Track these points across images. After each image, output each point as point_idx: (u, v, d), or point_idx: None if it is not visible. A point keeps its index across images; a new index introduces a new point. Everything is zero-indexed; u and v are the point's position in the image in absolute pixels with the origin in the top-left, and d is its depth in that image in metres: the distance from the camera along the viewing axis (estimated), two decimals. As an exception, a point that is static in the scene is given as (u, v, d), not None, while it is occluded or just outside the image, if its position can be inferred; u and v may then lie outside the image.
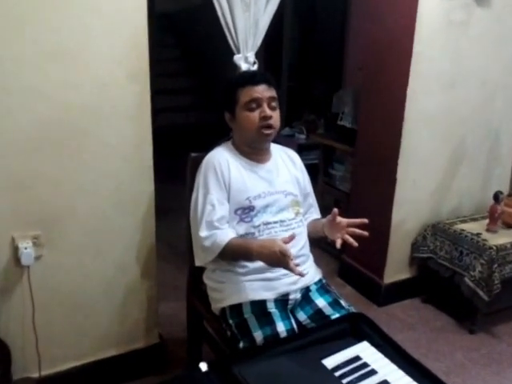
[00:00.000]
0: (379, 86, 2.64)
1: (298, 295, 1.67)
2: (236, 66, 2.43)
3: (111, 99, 1.78)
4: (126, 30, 1.74)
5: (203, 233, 1.60)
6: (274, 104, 1.68)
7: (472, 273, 2.49)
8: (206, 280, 1.75)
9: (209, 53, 6.15)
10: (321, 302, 1.67)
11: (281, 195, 1.71)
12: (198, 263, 1.69)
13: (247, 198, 1.65)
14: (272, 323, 1.54)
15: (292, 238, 1.50)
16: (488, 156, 2.90)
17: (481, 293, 2.46)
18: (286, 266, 1.45)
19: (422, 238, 2.77)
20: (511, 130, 2.88)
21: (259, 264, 1.60)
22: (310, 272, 1.72)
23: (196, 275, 1.87)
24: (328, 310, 1.65)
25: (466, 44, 2.57)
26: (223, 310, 1.65)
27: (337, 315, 1.63)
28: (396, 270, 2.82)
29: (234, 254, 1.60)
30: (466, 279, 2.50)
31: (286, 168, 1.79)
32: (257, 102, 1.64)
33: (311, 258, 1.77)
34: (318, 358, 1.28)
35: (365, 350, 1.32)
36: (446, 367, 2.35)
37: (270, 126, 1.66)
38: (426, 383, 1.21)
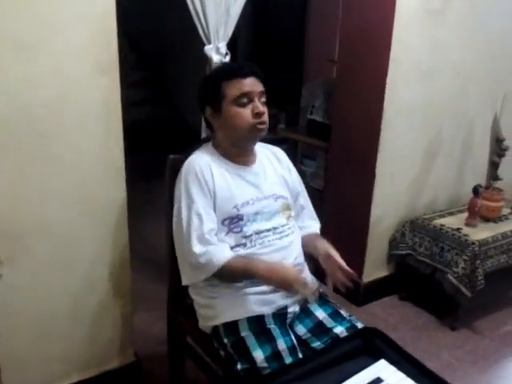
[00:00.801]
0: (356, 76, 2.53)
1: (297, 308, 1.54)
2: (198, 57, 2.27)
3: (77, 95, 1.57)
4: (92, 14, 1.53)
5: (197, 248, 1.42)
6: (263, 99, 1.52)
7: (455, 269, 2.43)
8: (193, 295, 1.57)
9: (161, 44, 5.87)
10: (321, 314, 1.54)
11: (270, 200, 1.56)
12: (186, 282, 1.51)
13: (234, 207, 1.49)
14: (272, 341, 1.40)
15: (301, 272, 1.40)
16: (462, 147, 2.86)
17: (464, 289, 2.41)
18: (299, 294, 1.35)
19: (400, 234, 2.70)
20: (484, 120, 2.85)
21: (255, 276, 1.46)
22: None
23: (177, 288, 1.70)
24: (329, 322, 1.52)
25: (442, 33, 2.50)
26: (215, 328, 1.49)
27: (339, 327, 1.51)
28: (374, 268, 2.74)
29: (233, 276, 1.44)
30: (449, 276, 2.45)
31: (272, 168, 1.64)
32: (248, 97, 1.48)
33: (306, 266, 1.64)
34: (336, 382, 1.15)
35: (384, 370, 1.21)
36: (434, 368, 2.23)
37: (262, 122, 1.50)
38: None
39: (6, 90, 1.44)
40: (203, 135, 2.41)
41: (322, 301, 1.58)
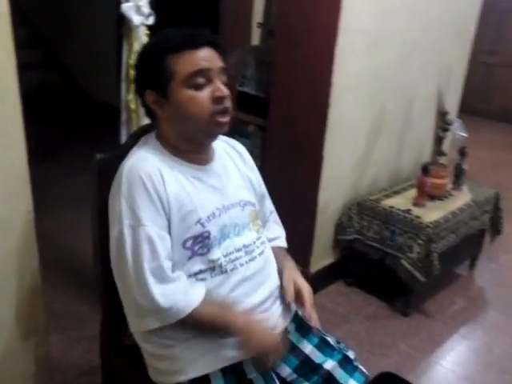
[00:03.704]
0: (299, 46, 2.20)
1: (279, 344, 1.23)
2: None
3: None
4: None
5: (156, 288, 1.05)
6: (224, 78, 1.15)
7: (409, 254, 2.27)
8: (142, 343, 1.18)
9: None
10: (306, 347, 1.25)
11: (237, 209, 1.22)
12: (136, 328, 1.12)
13: (198, 221, 1.13)
14: (256, 396, 1.09)
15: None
16: (403, 122, 2.69)
17: (418, 274, 2.27)
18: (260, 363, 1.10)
19: (347, 218, 2.48)
20: (424, 92, 2.68)
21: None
22: (285, 307, 1.28)
23: (113, 322, 1.32)
24: (317, 357, 1.24)
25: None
26: (179, 385, 1.14)
27: (329, 361, 1.23)
28: (321, 256, 2.51)
29: (200, 326, 1.10)
30: (403, 261, 2.28)
31: (235, 167, 1.29)
32: (205, 76, 1.10)
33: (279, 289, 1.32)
34: None
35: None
36: (395, 362, 2.13)
37: (226, 111, 1.13)
38: None
39: None
40: (123, 119, 1.99)
41: (305, 328, 1.29)
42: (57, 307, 2.24)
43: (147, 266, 1.05)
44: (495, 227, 2.73)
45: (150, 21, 1.85)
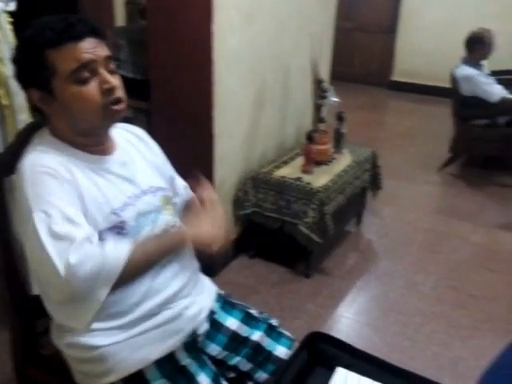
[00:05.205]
0: (175, 24, 2.15)
1: (206, 325, 1.23)
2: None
3: None
4: None
5: (73, 256, 0.92)
6: (112, 66, 1.09)
7: (305, 219, 2.39)
8: (64, 349, 1.12)
9: None
10: (232, 323, 1.27)
11: (149, 196, 1.19)
12: (73, 324, 1.04)
13: (112, 212, 1.08)
14: (192, 380, 1.09)
15: None
16: (283, 93, 2.78)
17: (314, 237, 2.40)
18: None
19: (243, 193, 2.53)
20: (299, 62, 2.78)
21: (150, 304, 1.10)
22: (207, 289, 1.29)
23: (26, 332, 1.24)
24: (244, 330, 1.27)
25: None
26: (112, 386, 1.10)
27: (256, 332, 1.27)
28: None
29: (145, 264, 1.04)
30: (300, 227, 2.39)
31: (139, 154, 1.25)
32: (90, 69, 1.04)
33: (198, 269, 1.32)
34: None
35: (347, 380, 1.02)
36: (306, 322, 2.25)
37: (118, 101, 1.08)
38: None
39: None
40: None
41: (229, 305, 1.31)
42: None
43: (65, 237, 0.93)
44: (375, 183, 2.97)
45: (12, 7, 1.69)
